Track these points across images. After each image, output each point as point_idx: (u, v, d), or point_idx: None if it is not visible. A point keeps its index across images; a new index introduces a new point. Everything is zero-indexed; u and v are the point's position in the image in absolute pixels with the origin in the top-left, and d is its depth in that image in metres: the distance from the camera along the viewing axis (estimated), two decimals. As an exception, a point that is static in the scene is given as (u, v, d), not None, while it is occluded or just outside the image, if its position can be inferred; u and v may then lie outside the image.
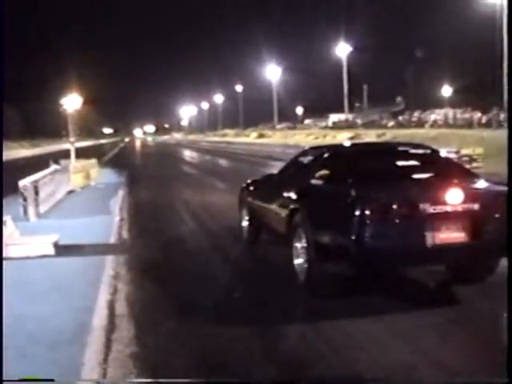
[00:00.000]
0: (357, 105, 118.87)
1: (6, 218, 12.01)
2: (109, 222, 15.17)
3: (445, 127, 62.57)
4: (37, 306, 8.10)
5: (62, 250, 11.35)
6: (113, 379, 5.94)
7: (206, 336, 7.04)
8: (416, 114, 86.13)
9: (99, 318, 7.55)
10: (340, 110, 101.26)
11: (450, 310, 7.75)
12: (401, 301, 8.24)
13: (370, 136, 60.08)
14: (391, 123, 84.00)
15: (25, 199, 15.79)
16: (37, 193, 16.33)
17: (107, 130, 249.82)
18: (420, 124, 73.70)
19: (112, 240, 12.94)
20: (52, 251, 11.20)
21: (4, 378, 4.93)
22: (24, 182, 16.14)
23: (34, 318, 7.54)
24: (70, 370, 5.90)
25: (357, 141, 48.56)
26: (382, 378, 5.84)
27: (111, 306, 8.13)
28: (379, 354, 6.35)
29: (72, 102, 32.46)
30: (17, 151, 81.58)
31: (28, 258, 10.94)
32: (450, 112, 77.25)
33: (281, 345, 6.78)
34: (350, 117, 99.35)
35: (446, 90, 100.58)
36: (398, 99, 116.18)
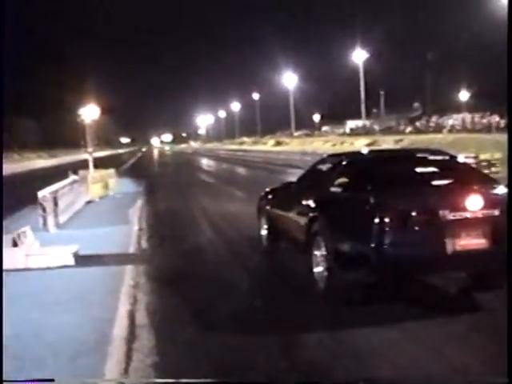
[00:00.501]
0: (374, 111, 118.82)
1: (26, 228, 12.08)
2: (128, 232, 15.21)
3: (462, 132, 62.33)
4: (57, 316, 8.11)
5: (81, 260, 11.38)
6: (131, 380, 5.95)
7: (227, 345, 7.04)
8: (433, 119, 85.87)
9: (120, 328, 7.57)
10: (357, 116, 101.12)
11: (470, 317, 7.70)
12: (421, 308, 8.20)
13: (387, 142, 59.95)
14: (409, 129, 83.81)
15: (44, 210, 15.84)
16: (56, 203, 16.39)
17: (124, 140, 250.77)
18: (437, 129, 73.47)
19: (131, 250, 12.96)
20: (72, 261, 11.24)
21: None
22: (43, 193, 16.21)
23: (55, 329, 7.56)
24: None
25: (374, 147, 48.41)
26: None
27: (131, 316, 8.15)
28: (400, 362, 6.31)
29: (89, 113, 32.57)
30: (35, 162, 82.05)
31: (48, 268, 10.97)
32: (467, 117, 76.99)
33: (301, 353, 6.77)
34: (368, 123, 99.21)
35: (464, 95, 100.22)
36: (416, 105, 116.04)
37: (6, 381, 4.71)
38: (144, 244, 13.84)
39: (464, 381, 5.68)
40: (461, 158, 10.86)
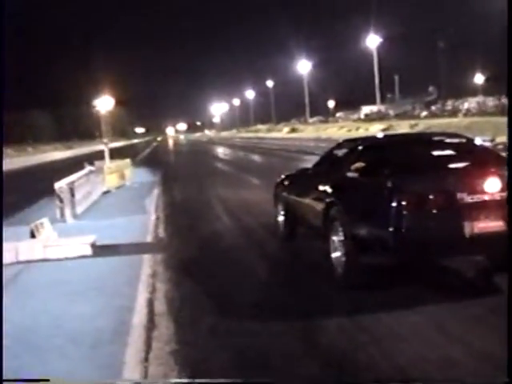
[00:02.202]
0: (388, 96, 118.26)
1: (44, 219, 12.12)
2: (145, 222, 15.24)
3: (478, 115, 61.99)
4: (76, 305, 8.15)
5: (99, 250, 11.41)
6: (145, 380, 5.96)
7: (246, 332, 7.03)
8: (449, 102, 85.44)
9: (139, 317, 7.58)
10: (372, 101, 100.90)
11: (490, 299, 7.65)
12: (440, 291, 8.16)
13: (402, 127, 59.82)
14: (424, 113, 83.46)
15: (61, 201, 15.90)
16: (73, 194, 16.45)
17: (139, 130, 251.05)
18: (453, 113, 73.13)
19: (149, 239, 12.99)
20: (90, 252, 11.27)
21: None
22: (60, 184, 16.27)
23: (74, 318, 7.60)
24: (112, 370, 5.93)
25: (390, 132, 48.24)
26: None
27: (150, 305, 8.16)
28: (420, 346, 6.29)
29: (104, 104, 32.67)
30: (51, 154, 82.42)
31: (66, 259, 11.02)
32: (483, 100, 76.54)
33: (321, 338, 6.75)
34: (382, 108, 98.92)
35: (479, 78, 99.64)
36: (431, 88, 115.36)
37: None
38: (161, 233, 13.87)
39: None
40: (477, 141, 10.79)
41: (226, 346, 6.61)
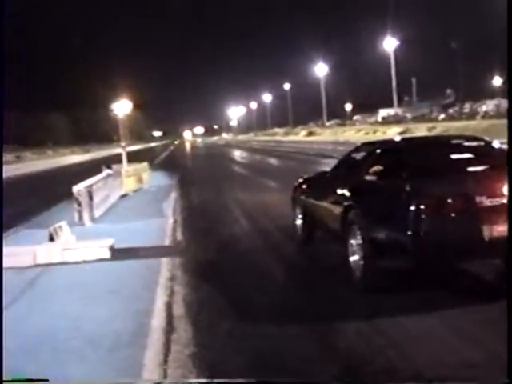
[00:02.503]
0: (406, 99, 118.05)
1: (62, 222, 12.19)
2: (163, 225, 15.28)
3: (496, 118, 61.67)
4: (94, 308, 8.20)
5: (117, 253, 11.46)
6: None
7: (264, 335, 7.03)
8: (467, 105, 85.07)
9: (157, 320, 7.61)
10: (389, 104, 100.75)
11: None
12: (459, 295, 8.13)
13: (420, 130, 59.61)
14: (442, 116, 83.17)
15: (79, 204, 15.98)
16: (91, 198, 16.53)
17: (157, 133, 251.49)
18: (471, 116, 72.81)
19: (167, 242, 13.03)
20: (108, 255, 11.32)
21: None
22: (78, 188, 16.35)
23: (93, 321, 7.63)
24: (132, 372, 5.96)
25: (407, 135, 48.11)
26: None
27: (169, 308, 8.19)
28: (438, 350, 6.27)
29: (122, 107, 32.79)
30: (69, 157, 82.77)
31: (84, 262, 11.06)
32: (501, 102, 76.13)
33: (338, 342, 6.75)
34: (400, 111, 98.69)
35: (497, 80, 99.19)
36: (448, 91, 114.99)
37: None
38: (179, 236, 13.90)
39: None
40: (496, 144, 10.74)
41: (242, 349, 6.63)
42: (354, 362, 6.11)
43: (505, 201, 7.52)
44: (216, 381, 5.95)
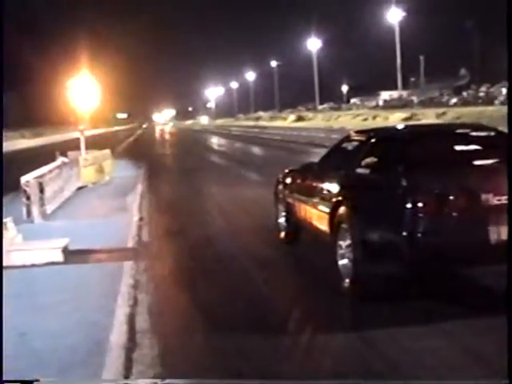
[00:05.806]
0: (412, 80, 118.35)
1: (7, 219, 12.08)
2: (126, 223, 15.22)
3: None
4: (45, 321, 8.14)
5: (72, 256, 11.41)
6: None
7: (241, 352, 7.04)
8: (483, 88, 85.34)
9: (117, 335, 7.57)
10: (392, 86, 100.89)
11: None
12: (459, 305, 8.20)
13: (428, 116, 59.81)
14: (454, 100, 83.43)
15: (28, 198, 15.86)
16: (42, 190, 16.40)
17: (122, 115, 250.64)
18: (488, 100, 73.02)
19: (130, 243, 12.97)
20: (61, 258, 11.26)
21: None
22: (27, 178, 16.22)
23: (42, 336, 7.58)
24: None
25: (412, 122, 48.23)
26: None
27: (131, 321, 8.16)
28: (442, 371, 6.30)
29: (81, 84, 32.60)
30: (17, 141, 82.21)
31: (33, 265, 11.00)
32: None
33: (329, 360, 6.77)
34: (404, 94, 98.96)
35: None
36: (462, 72, 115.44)
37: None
38: (145, 237, 13.87)
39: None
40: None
41: (217, 367, 6.64)
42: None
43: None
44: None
